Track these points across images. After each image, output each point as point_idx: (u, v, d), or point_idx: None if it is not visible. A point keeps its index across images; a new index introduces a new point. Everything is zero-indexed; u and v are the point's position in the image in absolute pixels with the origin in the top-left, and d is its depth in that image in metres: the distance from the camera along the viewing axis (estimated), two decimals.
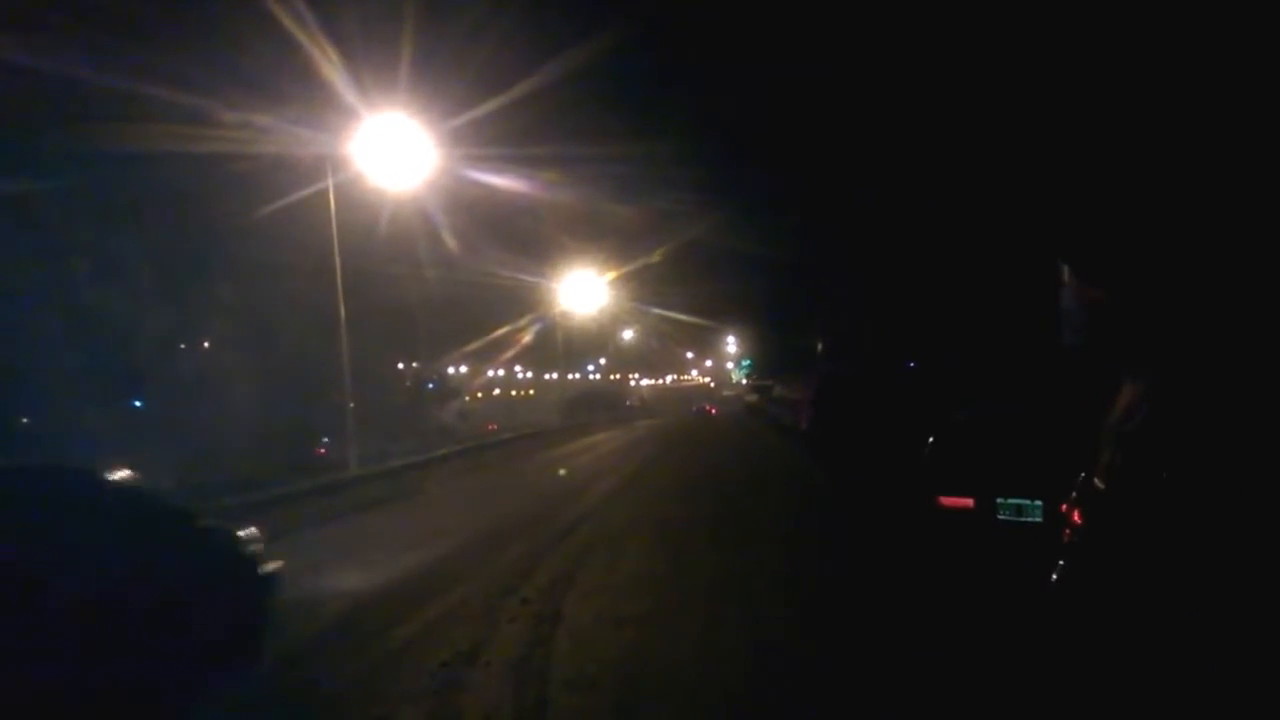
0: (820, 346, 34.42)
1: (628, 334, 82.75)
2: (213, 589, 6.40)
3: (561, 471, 20.23)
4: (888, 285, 25.76)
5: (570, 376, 71.69)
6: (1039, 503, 7.05)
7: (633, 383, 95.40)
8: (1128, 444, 3.10)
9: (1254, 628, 2.71)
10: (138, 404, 30.16)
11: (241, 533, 6.96)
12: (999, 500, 7.35)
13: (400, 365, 47.55)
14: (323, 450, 27.73)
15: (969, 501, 7.59)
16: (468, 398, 62.29)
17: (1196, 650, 2.80)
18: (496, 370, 77.04)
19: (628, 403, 65.88)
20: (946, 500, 7.79)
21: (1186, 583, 2.84)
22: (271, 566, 6.99)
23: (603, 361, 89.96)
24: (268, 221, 22.74)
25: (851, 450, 13.23)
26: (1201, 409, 2.95)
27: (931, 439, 8.41)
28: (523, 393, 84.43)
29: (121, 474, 6.79)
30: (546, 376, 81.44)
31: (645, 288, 60.71)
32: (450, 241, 34.14)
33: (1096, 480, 3.28)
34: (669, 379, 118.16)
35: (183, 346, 32.72)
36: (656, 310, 68.56)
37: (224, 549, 6.77)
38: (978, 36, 15.73)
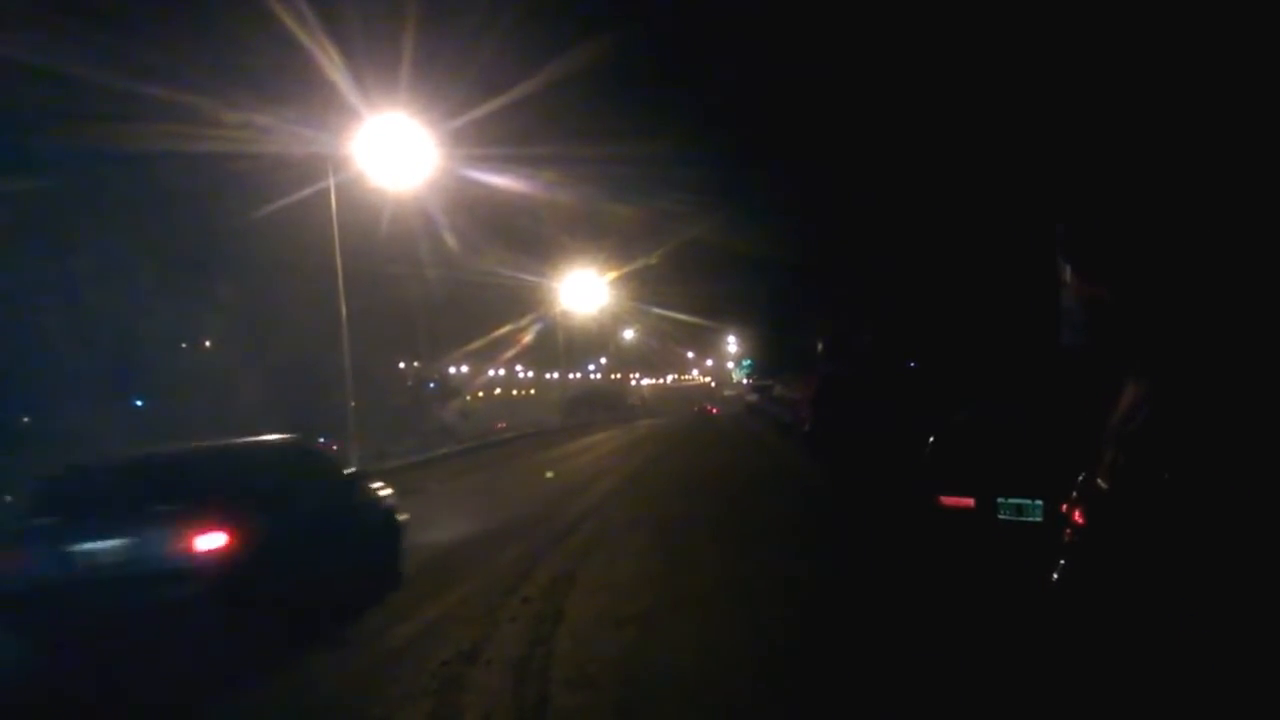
0: (820, 346, 34.39)
1: (628, 334, 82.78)
2: (377, 527, 9.06)
3: (561, 471, 20.23)
4: (888, 285, 25.76)
5: (571, 376, 71.71)
6: (1039, 502, 7.05)
7: (633, 382, 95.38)
8: (1130, 444, 3.10)
9: (1256, 629, 2.71)
10: (139, 403, 30.18)
11: (384, 492, 9.60)
12: (999, 500, 7.35)
13: (401, 365, 47.59)
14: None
15: (969, 501, 7.59)
16: (469, 397, 62.28)
17: (1197, 650, 2.80)
18: (497, 370, 77.04)
19: (629, 402, 65.86)
20: (947, 500, 7.79)
21: (1189, 583, 2.84)
22: (402, 517, 9.66)
23: (603, 361, 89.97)
24: (269, 221, 22.78)
25: (852, 450, 13.24)
26: (1204, 409, 2.95)
27: (932, 439, 8.42)
28: (523, 392, 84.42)
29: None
30: (547, 376, 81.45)
31: (646, 287, 60.80)
32: (451, 241, 34.20)
33: (1099, 480, 3.28)
34: (670, 378, 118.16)
35: (184, 346, 32.73)
36: (657, 310, 68.64)
37: (379, 501, 9.44)
38: (980, 35, 15.73)
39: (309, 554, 7.26)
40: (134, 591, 6.09)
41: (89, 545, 6.19)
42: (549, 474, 16.04)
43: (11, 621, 6.37)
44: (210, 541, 6.20)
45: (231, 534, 6.29)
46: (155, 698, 5.89)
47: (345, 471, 9.51)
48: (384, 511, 9.34)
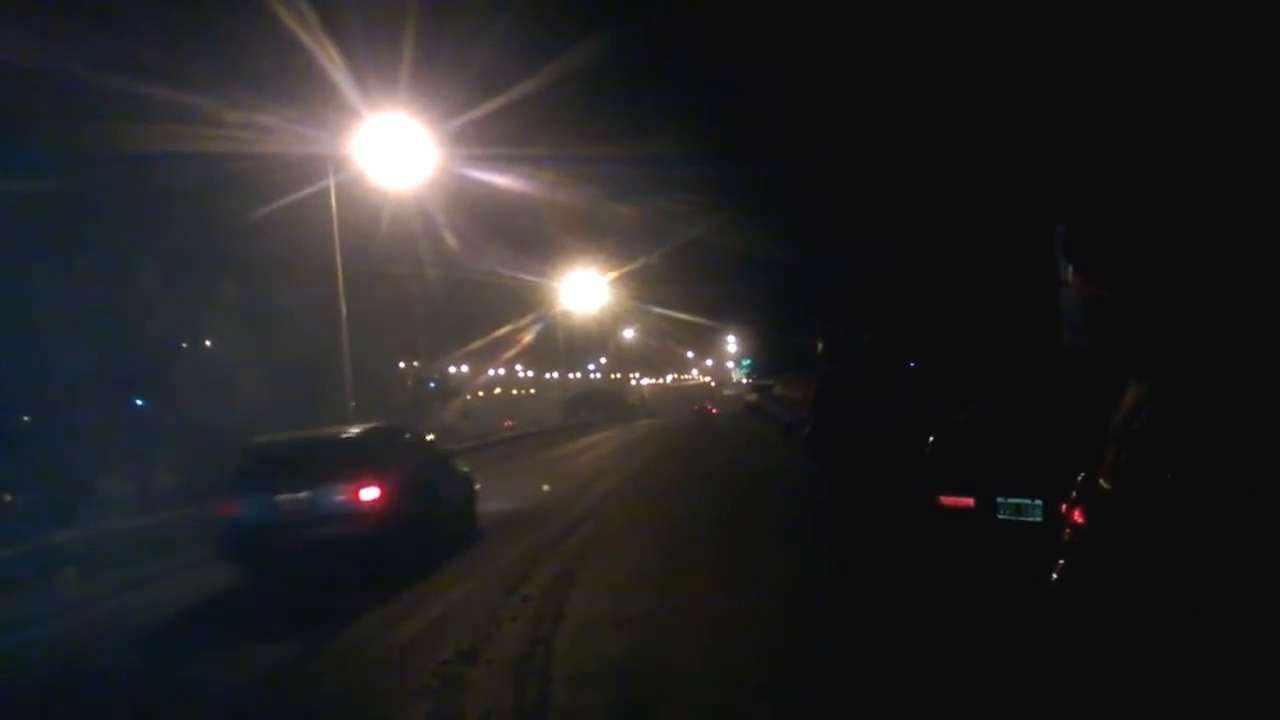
0: (820, 346, 34.37)
1: (628, 333, 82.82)
2: (462, 489, 11.90)
3: (560, 472, 20.23)
4: (888, 285, 25.76)
5: (571, 375, 71.71)
6: (1039, 502, 7.05)
7: (633, 382, 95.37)
8: (1133, 444, 3.10)
9: (1257, 629, 2.71)
10: (139, 403, 30.14)
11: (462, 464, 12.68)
12: (999, 500, 7.35)
13: (401, 365, 47.55)
14: None
15: (969, 501, 7.59)
16: (469, 397, 62.27)
17: (1198, 651, 2.80)
18: (497, 369, 77.04)
19: (628, 402, 65.80)
20: (946, 500, 7.78)
21: (1190, 583, 2.84)
22: (477, 486, 12.42)
23: (603, 360, 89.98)
24: (269, 221, 22.74)
25: (852, 451, 13.20)
26: (1207, 409, 2.95)
27: (931, 439, 8.41)
28: (523, 392, 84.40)
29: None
30: (547, 375, 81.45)
31: (646, 287, 60.80)
32: (451, 241, 34.17)
33: (1101, 480, 3.27)
34: (670, 378, 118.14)
35: (184, 346, 32.70)
36: (657, 309, 68.66)
37: (460, 470, 12.29)
38: (980, 33, 15.73)
39: (424, 504, 10.06)
40: (315, 528, 8.72)
41: (283, 497, 8.84)
42: (545, 487, 16.40)
43: (231, 550, 9.00)
44: (369, 494, 8.96)
45: (382, 489, 9.03)
46: (325, 604, 8.09)
47: (441, 449, 12.63)
48: (465, 477, 12.25)
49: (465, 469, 12.49)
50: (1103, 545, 3.23)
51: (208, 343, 33.34)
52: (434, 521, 10.29)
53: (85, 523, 14.45)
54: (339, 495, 8.87)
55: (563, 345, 55.97)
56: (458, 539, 10.85)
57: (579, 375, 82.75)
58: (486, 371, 71.12)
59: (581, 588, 7.96)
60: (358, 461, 9.33)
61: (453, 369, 58.84)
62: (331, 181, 19.84)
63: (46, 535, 12.98)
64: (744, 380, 73.51)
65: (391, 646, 6.65)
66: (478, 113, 24.40)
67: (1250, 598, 2.72)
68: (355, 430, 10.43)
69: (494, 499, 13.56)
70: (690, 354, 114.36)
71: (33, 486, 17.36)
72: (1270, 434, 2.78)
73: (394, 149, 21.28)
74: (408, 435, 11.69)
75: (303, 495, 8.84)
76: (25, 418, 25.28)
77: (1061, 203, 12.44)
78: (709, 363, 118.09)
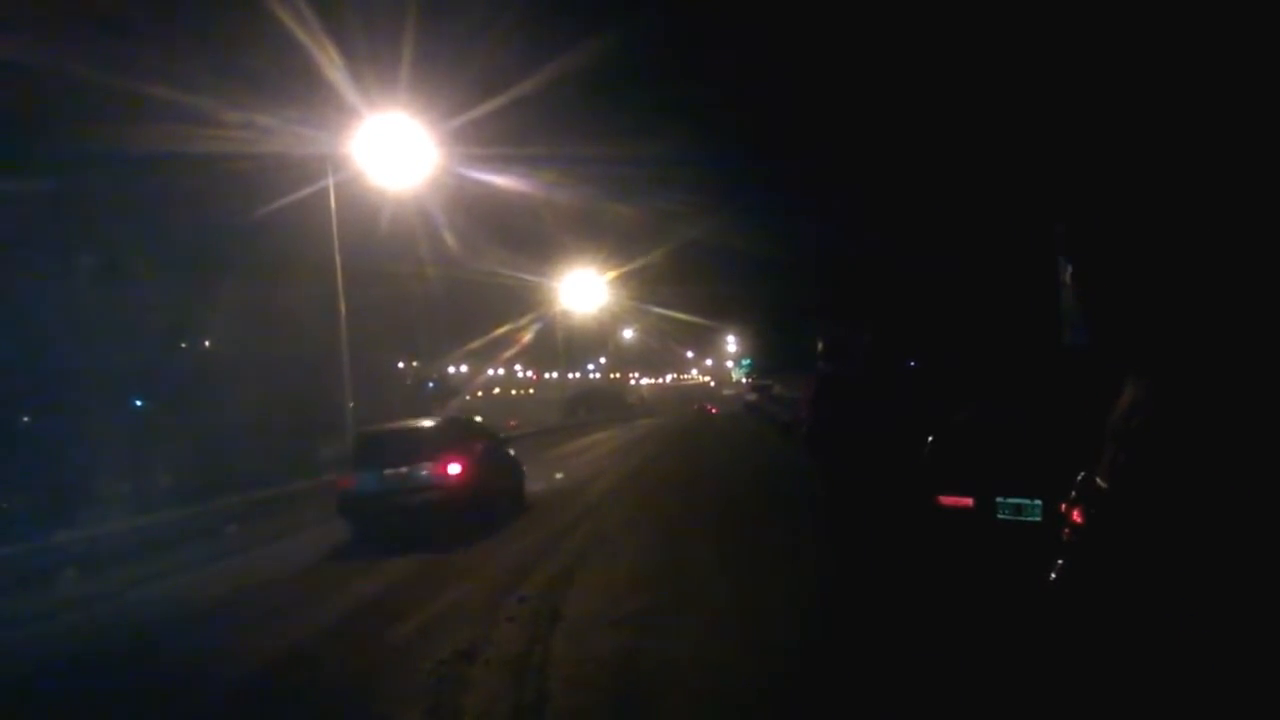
0: (820, 346, 34.34)
1: (628, 333, 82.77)
2: (515, 470, 14.46)
3: (558, 472, 20.22)
4: (888, 284, 25.75)
5: (570, 375, 71.67)
6: (1038, 502, 7.04)
7: (633, 382, 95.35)
8: (1130, 442, 3.09)
9: (1255, 628, 2.71)
10: (138, 403, 30.12)
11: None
12: (998, 500, 7.34)
13: (400, 364, 47.52)
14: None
15: (968, 501, 7.58)
16: (468, 396, 62.22)
17: (1197, 650, 2.79)
18: (496, 369, 77.00)
19: (627, 402, 65.78)
20: (945, 500, 7.77)
21: (1188, 582, 2.83)
22: (524, 468, 14.94)
23: (603, 360, 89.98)
24: (269, 221, 22.71)
25: (851, 451, 13.17)
26: (1205, 407, 2.94)
27: (931, 438, 8.40)
28: (522, 391, 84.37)
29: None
30: (547, 375, 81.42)
31: (645, 287, 60.74)
32: (451, 240, 34.15)
33: (1099, 479, 3.27)
34: (669, 378, 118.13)
35: (183, 345, 32.67)
36: (657, 309, 68.59)
37: (512, 455, 14.85)
38: (979, 30, 15.72)
39: (491, 479, 12.85)
40: (412, 495, 11.36)
41: (389, 471, 11.46)
42: (559, 471, 16.88)
43: (350, 511, 11.65)
44: (454, 469, 11.65)
45: (462, 465, 11.75)
46: (420, 552, 10.44)
47: (499, 436, 15.38)
48: (515, 460, 14.82)
49: (513, 453, 15.13)
50: (1100, 545, 3.22)
51: (207, 343, 33.30)
52: (497, 493, 13.06)
53: (84, 524, 14.45)
54: (431, 470, 11.54)
55: (562, 345, 55.93)
56: (514, 507, 13.55)
57: (578, 375, 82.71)
58: (486, 371, 71.09)
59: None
60: (443, 444, 12.03)
61: (452, 369, 58.84)
62: (331, 181, 19.83)
63: (48, 536, 13.00)
64: (743, 380, 73.48)
65: (488, 574, 9.01)
66: (477, 112, 24.40)
67: (1247, 596, 2.72)
68: (439, 420, 13.67)
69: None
70: (690, 354, 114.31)
71: (32, 487, 17.36)
72: (1268, 432, 2.77)
73: (393, 148, 21.28)
74: (475, 424, 15.51)
75: (403, 470, 11.53)
76: (25, 418, 25.26)
77: (1061, 200, 12.42)
78: (708, 362, 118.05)
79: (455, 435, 12.77)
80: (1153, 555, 2.92)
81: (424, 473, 11.47)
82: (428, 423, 13.10)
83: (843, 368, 25.29)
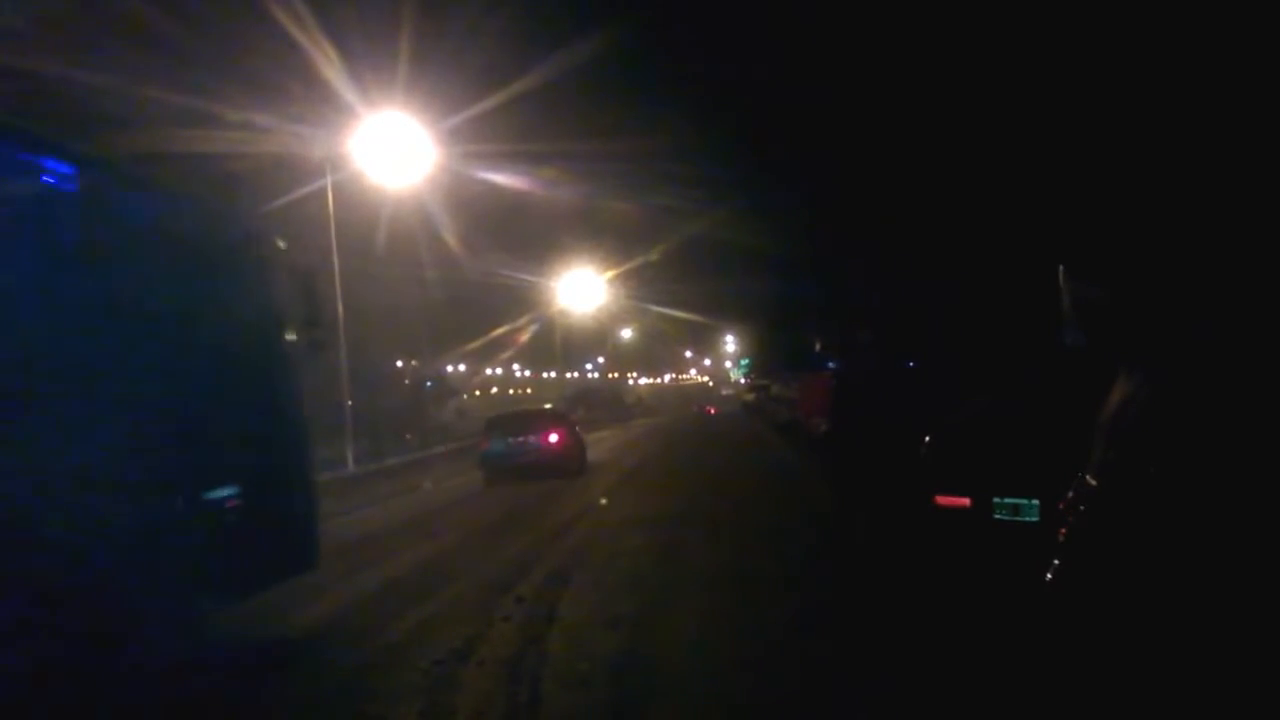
0: (818, 346, 34.35)
1: (626, 332, 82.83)
2: (583, 444, 20.73)
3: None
4: (888, 284, 25.75)
5: (569, 375, 71.69)
6: (1035, 502, 7.03)
7: (631, 381, 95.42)
8: (1119, 440, 3.07)
9: (1250, 628, 2.69)
10: None
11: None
12: (995, 500, 7.32)
13: (399, 364, 47.47)
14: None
15: (965, 501, 7.56)
16: (466, 396, 62.24)
17: (1193, 649, 2.78)
18: (495, 369, 77.02)
19: (625, 402, 65.74)
20: (943, 499, 7.76)
21: (1179, 581, 2.82)
22: (585, 439, 22.07)
23: (601, 360, 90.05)
24: (268, 220, 22.65)
25: (871, 452, 12.71)
26: (1195, 404, 2.92)
27: (928, 438, 8.38)
28: (520, 391, 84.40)
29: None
30: (545, 375, 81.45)
31: (644, 286, 60.83)
32: (449, 239, 34.13)
33: (1089, 477, 3.25)
34: (668, 378, 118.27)
35: None
36: (655, 308, 68.74)
37: (579, 434, 20.78)
38: (981, 37, 15.72)
39: (571, 449, 18.76)
40: (527, 455, 17.69)
41: (512, 440, 18.12)
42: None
43: (486, 464, 18.18)
44: (555, 438, 18.07)
45: (560, 436, 18.30)
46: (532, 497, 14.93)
47: (574, 418, 22.81)
48: (581, 437, 20.52)
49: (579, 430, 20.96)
50: (1092, 542, 3.21)
51: None
52: (572, 458, 18.68)
53: None
54: (540, 439, 17.87)
55: (560, 344, 55.92)
56: (582, 466, 19.25)
57: (577, 375, 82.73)
58: (484, 371, 71.11)
59: (575, 589, 8.00)
60: (545, 423, 18.49)
61: (450, 368, 58.82)
62: (329, 180, 19.82)
63: None
64: (742, 380, 73.54)
65: (564, 499, 14.41)
66: (475, 110, 24.37)
67: (1239, 594, 2.70)
68: (541, 408, 21.41)
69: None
70: (689, 353, 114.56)
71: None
72: (1258, 429, 2.76)
73: (392, 147, 21.26)
74: (560, 412, 21.41)
75: (521, 439, 17.85)
76: None
77: (1061, 201, 12.43)
78: (707, 362, 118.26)
79: (551, 418, 19.19)
80: (1141, 553, 2.90)
81: (537, 440, 17.74)
82: (539, 406, 22.37)
83: (858, 367, 25.13)
